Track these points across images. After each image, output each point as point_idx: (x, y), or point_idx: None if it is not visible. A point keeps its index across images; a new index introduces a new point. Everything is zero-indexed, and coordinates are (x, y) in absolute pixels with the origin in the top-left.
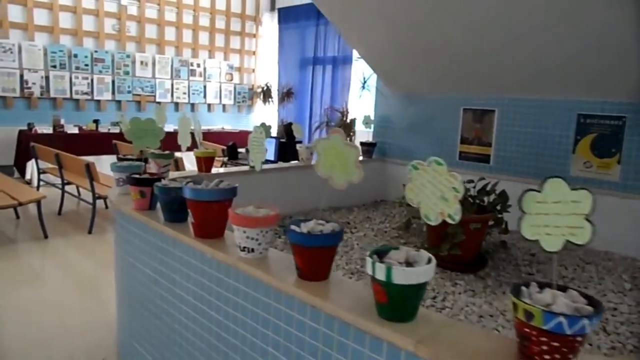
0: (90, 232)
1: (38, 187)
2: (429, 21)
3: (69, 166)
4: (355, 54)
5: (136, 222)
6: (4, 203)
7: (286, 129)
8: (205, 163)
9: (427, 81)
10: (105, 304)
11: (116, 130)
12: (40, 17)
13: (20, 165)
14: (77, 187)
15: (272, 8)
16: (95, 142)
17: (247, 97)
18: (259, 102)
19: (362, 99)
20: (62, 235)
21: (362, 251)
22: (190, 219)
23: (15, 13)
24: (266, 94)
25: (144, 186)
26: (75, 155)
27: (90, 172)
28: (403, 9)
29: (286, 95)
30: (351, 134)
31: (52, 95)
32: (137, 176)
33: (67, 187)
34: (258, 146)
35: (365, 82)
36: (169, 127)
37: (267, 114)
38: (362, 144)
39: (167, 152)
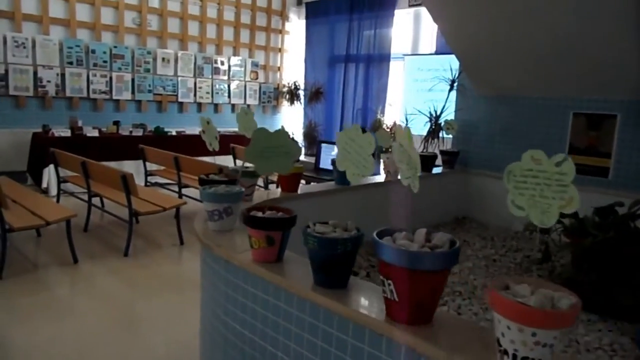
0: (126, 254)
1: (58, 198)
2: (533, 7)
3: (97, 176)
4: (394, 51)
5: (256, 280)
6: (28, 223)
7: None
8: (290, 181)
9: (526, 79)
10: (147, 340)
11: (139, 132)
12: (56, 9)
13: (34, 172)
14: (101, 198)
15: (299, 2)
16: (118, 146)
17: (272, 97)
18: (284, 103)
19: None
20: (94, 259)
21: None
22: (386, 293)
23: (28, 4)
24: (293, 93)
25: (273, 229)
26: (96, 161)
27: (127, 185)
28: None
29: (314, 95)
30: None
31: (67, 94)
32: (260, 215)
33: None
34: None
35: (455, 80)
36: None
37: (294, 115)
38: (442, 152)
39: (249, 167)
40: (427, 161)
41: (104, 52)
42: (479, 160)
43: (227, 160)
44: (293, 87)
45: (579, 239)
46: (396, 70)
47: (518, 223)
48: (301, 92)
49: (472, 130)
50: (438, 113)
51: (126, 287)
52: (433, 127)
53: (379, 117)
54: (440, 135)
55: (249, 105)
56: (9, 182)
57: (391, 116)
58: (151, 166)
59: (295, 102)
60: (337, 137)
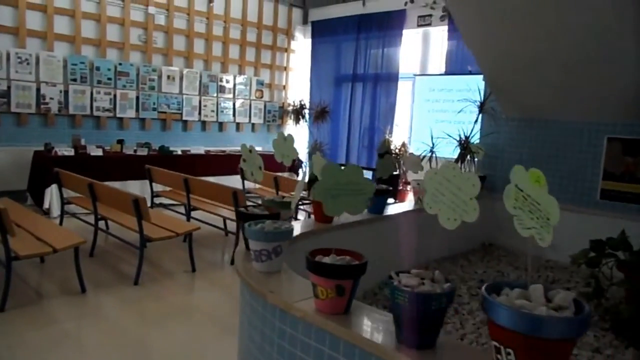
0: (136, 282)
1: (61, 220)
2: (567, 29)
3: (104, 198)
4: (402, 71)
5: (322, 334)
6: (34, 250)
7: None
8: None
9: (556, 102)
10: None
11: (144, 152)
12: (61, 25)
13: (35, 192)
14: (106, 220)
15: (305, 21)
16: (122, 165)
17: (277, 116)
18: (289, 122)
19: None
20: (102, 287)
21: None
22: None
23: (33, 20)
24: (299, 112)
25: (344, 278)
26: (100, 181)
27: (139, 209)
28: (534, 12)
29: (320, 114)
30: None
31: (70, 111)
32: (327, 261)
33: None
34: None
35: (484, 103)
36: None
37: (299, 135)
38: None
39: (284, 197)
40: None
41: (109, 69)
42: (505, 185)
43: (233, 181)
44: (299, 105)
45: (634, 274)
46: (404, 90)
47: (550, 251)
48: (306, 111)
49: (498, 154)
50: (467, 136)
51: (138, 320)
52: (463, 150)
53: (387, 137)
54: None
55: (254, 125)
56: (11, 204)
57: (399, 136)
58: (156, 186)
59: (300, 121)
60: (427, 175)
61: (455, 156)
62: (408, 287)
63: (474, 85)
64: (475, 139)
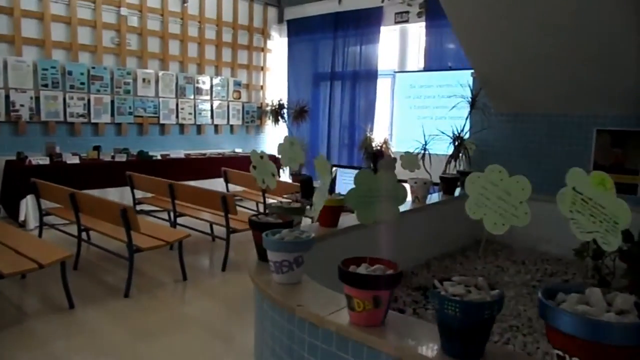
0: (126, 295)
1: (40, 232)
2: (556, 22)
3: (87, 208)
4: (381, 68)
5: (360, 348)
6: (18, 267)
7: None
8: (331, 215)
9: (546, 96)
10: None
11: (122, 158)
12: (29, 28)
13: (9, 204)
14: (87, 231)
15: (281, 20)
16: (101, 172)
17: (255, 117)
18: (268, 122)
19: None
20: (91, 302)
21: None
22: None
23: None
24: (278, 112)
25: (381, 289)
26: (78, 190)
27: (127, 219)
28: (527, 5)
29: (299, 114)
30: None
31: (43, 118)
32: (362, 271)
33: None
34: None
35: (474, 98)
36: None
37: (278, 135)
38: (459, 173)
39: (297, 202)
40: (451, 184)
41: (82, 74)
42: None
43: (216, 184)
44: (277, 106)
45: (637, 265)
46: (383, 88)
47: (543, 243)
48: (285, 111)
49: (488, 149)
50: (459, 132)
51: (132, 335)
52: (457, 147)
53: (368, 134)
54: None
55: (232, 126)
56: None
57: (380, 134)
58: (137, 193)
59: (279, 121)
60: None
61: (449, 153)
62: (457, 297)
63: (454, 80)
64: (465, 135)
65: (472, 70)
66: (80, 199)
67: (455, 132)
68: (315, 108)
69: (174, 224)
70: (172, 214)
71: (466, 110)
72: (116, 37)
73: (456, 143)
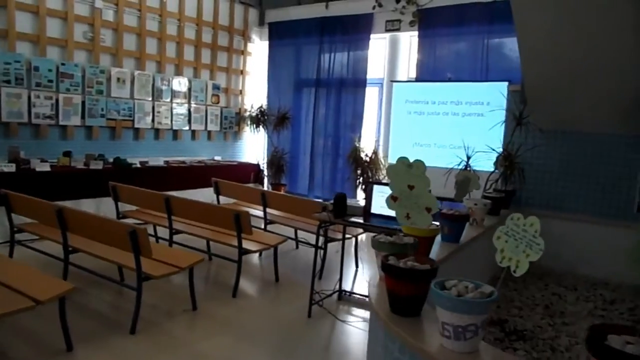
0: (132, 332)
1: (11, 252)
2: (618, 36)
3: (79, 227)
4: (370, 75)
5: None
6: (12, 306)
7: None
8: (425, 244)
9: (593, 114)
10: None
11: (98, 166)
12: None
13: None
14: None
15: (262, 23)
16: (74, 182)
17: (233, 123)
18: (246, 129)
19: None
20: (91, 341)
21: None
22: None
23: None
24: (259, 119)
25: None
26: (49, 201)
27: (137, 243)
28: (600, 15)
29: (280, 121)
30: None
31: (4, 119)
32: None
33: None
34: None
35: (521, 116)
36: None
37: (256, 143)
38: (497, 191)
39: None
40: (498, 204)
41: (50, 70)
42: (535, 199)
43: (204, 195)
44: (258, 112)
45: None
46: (370, 97)
47: (583, 265)
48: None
49: (526, 167)
50: (507, 149)
51: None
52: (508, 165)
53: (356, 144)
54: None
55: (210, 132)
56: None
57: (368, 145)
58: (123, 206)
59: (259, 128)
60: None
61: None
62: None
63: (457, 93)
64: (496, 149)
65: (507, 83)
66: (70, 217)
67: (502, 150)
68: (297, 115)
69: (170, 243)
70: (162, 232)
71: (499, 124)
72: (89, 32)
73: (504, 161)
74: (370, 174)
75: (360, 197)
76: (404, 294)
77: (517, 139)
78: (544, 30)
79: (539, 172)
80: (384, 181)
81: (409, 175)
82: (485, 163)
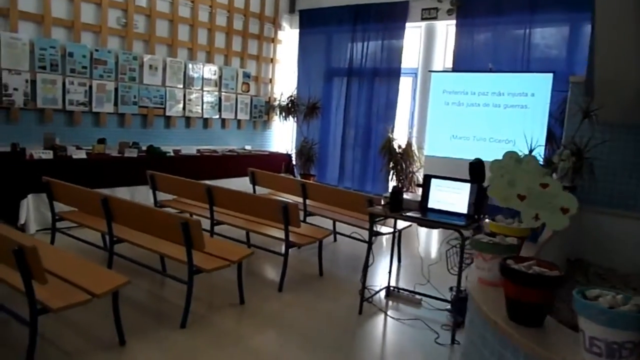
0: (183, 325)
1: (52, 239)
2: None
3: (121, 217)
4: (405, 65)
5: None
6: (68, 300)
7: (475, 169)
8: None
9: None
10: None
11: (133, 154)
12: (27, 1)
13: (4, 203)
14: (103, 235)
15: (292, 10)
16: (110, 170)
17: (263, 112)
18: (275, 118)
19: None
20: (143, 335)
21: None
22: None
23: None
24: (289, 108)
25: None
26: (89, 189)
27: (190, 235)
28: None
29: (311, 111)
30: None
31: (39, 105)
32: None
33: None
34: None
35: (589, 109)
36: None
37: (286, 132)
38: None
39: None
40: None
41: (84, 56)
42: (597, 196)
43: (233, 184)
44: (288, 101)
45: None
46: (404, 87)
47: None
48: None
49: (586, 162)
50: (577, 145)
51: None
52: (577, 161)
53: (390, 135)
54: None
55: (239, 121)
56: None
57: (401, 135)
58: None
59: (290, 117)
60: None
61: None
62: None
63: (498, 84)
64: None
65: (552, 74)
66: (116, 206)
67: (574, 145)
68: (327, 105)
69: (212, 234)
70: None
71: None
72: (122, 18)
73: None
74: (404, 166)
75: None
76: (530, 301)
77: (583, 133)
78: (626, 22)
79: (602, 167)
80: (439, 175)
81: (519, 170)
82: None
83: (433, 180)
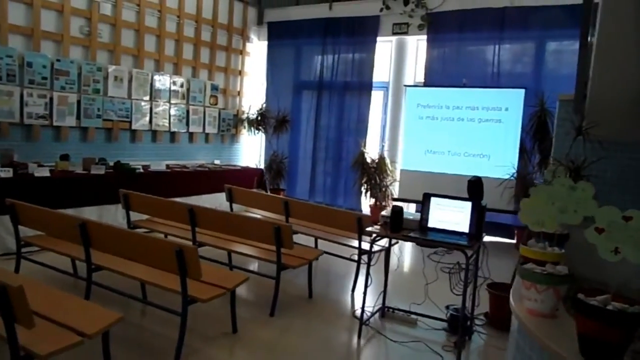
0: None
1: (17, 267)
2: None
3: (99, 243)
4: (376, 79)
5: None
6: (57, 345)
7: (473, 187)
8: None
9: None
10: None
11: (100, 171)
12: None
13: None
14: (73, 260)
15: (260, 22)
16: (75, 188)
17: (231, 125)
18: (243, 132)
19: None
20: None
21: None
22: None
23: None
24: (259, 121)
25: None
26: (51, 209)
27: (184, 263)
28: None
29: (280, 124)
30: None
31: None
32: None
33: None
34: None
35: (582, 127)
36: None
37: (255, 146)
38: None
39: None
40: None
41: (44, 67)
42: None
43: (214, 200)
44: (258, 114)
45: None
46: (374, 101)
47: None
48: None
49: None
50: (579, 163)
51: None
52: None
53: (362, 149)
54: None
55: (207, 135)
56: None
57: (373, 149)
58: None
59: (258, 130)
60: None
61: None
62: None
63: (471, 98)
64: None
65: (523, 90)
66: (94, 232)
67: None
68: (297, 118)
69: None
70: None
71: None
72: (86, 26)
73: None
74: (377, 180)
75: (365, 204)
76: (609, 340)
77: (574, 151)
78: (629, 38)
79: (598, 184)
80: (439, 193)
81: (572, 200)
82: (498, 170)
83: (433, 199)
